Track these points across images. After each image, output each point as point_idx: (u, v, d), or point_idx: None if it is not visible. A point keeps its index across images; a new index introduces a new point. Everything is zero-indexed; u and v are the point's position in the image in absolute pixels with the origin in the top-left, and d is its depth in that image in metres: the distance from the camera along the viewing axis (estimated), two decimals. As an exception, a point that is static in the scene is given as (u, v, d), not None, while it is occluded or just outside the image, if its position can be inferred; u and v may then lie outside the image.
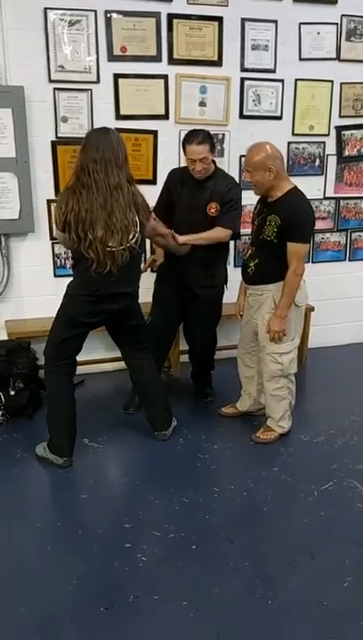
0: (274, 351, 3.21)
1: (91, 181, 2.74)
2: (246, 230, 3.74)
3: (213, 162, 3.41)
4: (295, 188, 3.11)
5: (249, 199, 3.77)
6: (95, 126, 3.76)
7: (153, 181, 3.97)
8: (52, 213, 3.89)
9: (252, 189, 3.23)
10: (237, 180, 3.85)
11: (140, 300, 3.19)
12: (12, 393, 3.59)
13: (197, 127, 3.41)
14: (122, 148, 2.80)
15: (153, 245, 3.71)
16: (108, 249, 2.79)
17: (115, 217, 2.76)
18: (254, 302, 3.28)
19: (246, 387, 3.58)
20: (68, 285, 3.04)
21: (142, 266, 3.46)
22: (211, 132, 3.37)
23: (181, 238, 3.29)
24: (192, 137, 3.28)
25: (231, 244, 3.86)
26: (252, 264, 3.22)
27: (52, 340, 3.07)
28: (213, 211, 3.37)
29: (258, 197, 3.25)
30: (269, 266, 3.14)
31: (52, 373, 3.09)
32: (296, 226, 3.03)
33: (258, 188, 3.12)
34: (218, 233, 3.39)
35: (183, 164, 3.50)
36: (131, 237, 2.83)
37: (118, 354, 4.08)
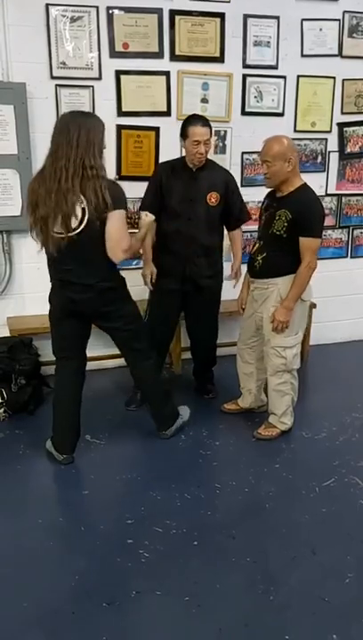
0: (278, 344, 3.21)
1: (45, 163, 2.74)
2: (248, 227, 3.73)
3: None
4: (306, 184, 3.12)
5: (251, 195, 3.79)
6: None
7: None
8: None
9: (253, 186, 3.22)
10: (240, 177, 3.85)
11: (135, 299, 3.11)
12: (14, 389, 3.60)
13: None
14: (83, 133, 2.65)
15: (143, 259, 3.54)
16: (54, 233, 2.74)
17: (52, 199, 2.68)
18: (260, 296, 3.27)
19: (245, 383, 3.58)
20: None
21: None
22: (212, 129, 3.36)
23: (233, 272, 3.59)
24: (196, 119, 3.30)
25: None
26: (259, 258, 3.21)
27: (51, 334, 3.10)
28: (213, 200, 3.37)
29: (266, 193, 3.25)
30: (277, 260, 3.14)
31: (57, 368, 3.12)
32: (307, 221, 3.04)
33: (272, 181, 3.10)
34: (240, 236, 3.61)
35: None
36: (74, 224, 2.71)
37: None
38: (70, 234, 2.72)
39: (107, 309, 2.95)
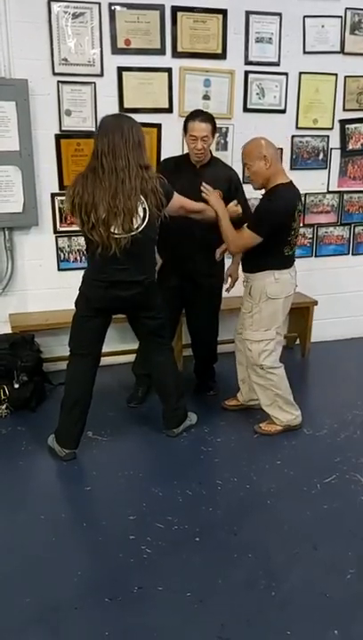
0: (246, 337, 3.29)
1: (98, 165, 2.76)
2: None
3: (209, 151, 3.40)
4: (284, 183, 3.11)
5: (251, 193, 3.78)
6: (99, 120, 3.77)
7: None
8: (57, 206, 3.92)
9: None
10: (241, 174, 3.84)
11: None
12: (16, 386, 3.60)
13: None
14: (135, 134, 2.78)
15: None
16: (112, 235, 2.78)
17: (118, 199, 2.74)
18: (245, 288, 3.36)
19: (240, 374, 3.61)
20: (83, 273, 3.05)
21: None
22: (216, 126, 3.35)
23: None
24: (196, 114, 3.30)
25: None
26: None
27: (71, 329, 3.10)
28: None
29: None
30: (250, 255, 3.20)
31: (69, 363, 3.13)
32: (256, 214, 3.12)
33: (256, 181, 3.14)
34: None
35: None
36: (136, 224, 2.80)
37: (121, 347, 4.11)
38: (132, 233, 2.80)
39: (149, 301, 3.06)
